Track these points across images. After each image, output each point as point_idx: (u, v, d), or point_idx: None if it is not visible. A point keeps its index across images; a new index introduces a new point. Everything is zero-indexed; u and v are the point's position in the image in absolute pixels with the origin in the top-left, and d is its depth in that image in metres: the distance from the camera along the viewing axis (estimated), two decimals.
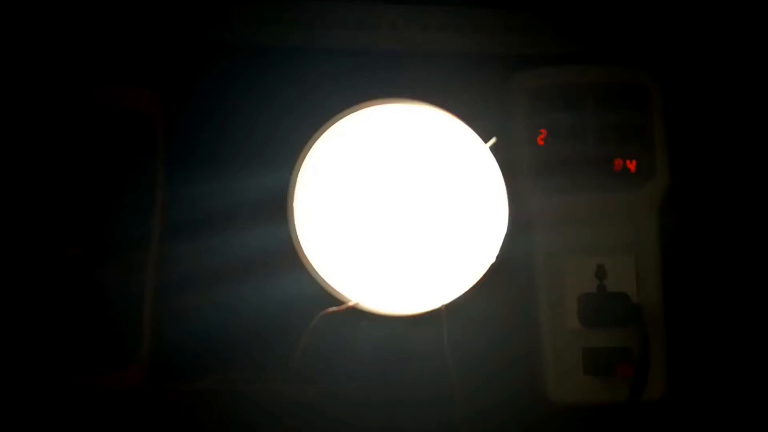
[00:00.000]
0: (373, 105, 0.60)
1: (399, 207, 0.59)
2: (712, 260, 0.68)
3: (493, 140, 0.58)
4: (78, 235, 0.63)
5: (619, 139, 0.66)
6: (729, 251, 0.68)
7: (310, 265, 0.58)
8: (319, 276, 0.58)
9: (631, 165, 0.66)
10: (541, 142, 0.66)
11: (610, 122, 0.66)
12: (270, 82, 0.67)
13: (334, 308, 0.57)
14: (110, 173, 0.64)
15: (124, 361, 0.62)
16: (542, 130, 0.66)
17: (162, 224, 0.64)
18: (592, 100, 0.66)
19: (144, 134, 0.65)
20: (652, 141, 0.66)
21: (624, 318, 0.64)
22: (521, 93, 0.66)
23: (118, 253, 0.63)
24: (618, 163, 0.66)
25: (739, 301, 0.68)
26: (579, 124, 0.66)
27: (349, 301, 0.58)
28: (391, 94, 0.60)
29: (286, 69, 0.67)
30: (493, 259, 0.58)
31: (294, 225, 0.58)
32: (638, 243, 0.65)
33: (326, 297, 0.58)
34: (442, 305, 0.57)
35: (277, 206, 0.59)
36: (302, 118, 0.61)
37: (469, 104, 0.63)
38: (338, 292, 0.58)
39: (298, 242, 0.58)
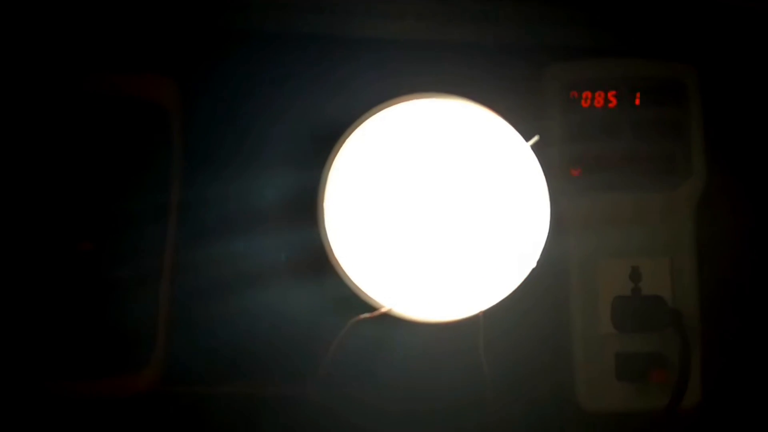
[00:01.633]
0: (407, 100, 0.58)
1: (435, 208, 0.57)
2: (750, 263, 0.67)
3: (535, 138, 0.56)
4: (89, 232, 0.61)
5: (655, 136, 0.64)
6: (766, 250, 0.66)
7: (342, 269, 0.56)
8: (351, 280, 0.57)
9: (668, 163, 0.64)
10: (574, 139, 0.64)
11: (646, 119, 0.64)
12: (300, 75, 0.65)
13: (367, 314, 0.55)
14: (122, 167, 0.62)
15: (137, 366, 0.61)
16: (575, 127, 0.65)
17: (178, 222, 0.62)
18: (627, 95, 0.64)
19: (159, 126, 0.63)
20: (689, 139, 0.64)
21: (660, 322, 0.63)
22: (554, 86, 0.64)
23: (131, 252, 0.61)
24: (653, 161, 0.64)
25: None
26: (613, 120, 0.64)
27: (382, 306, 0.56)
28: (425, 88, 0.58)
29: (316, 61, 0.65)
30: (533, 264, 0.55)
31: (325, 227, 0.56)
32: (674, 244, 0.64)
33: (358, 302, 0.56)
34: (480, 312, 0.55)
35: (306, 207, 0.57)
36: (333, 114, 0.59)
37: (505, 99, 0.61)
38: (371, 298, 0.57)
39: (329, 245, 0.56)
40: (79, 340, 0.60)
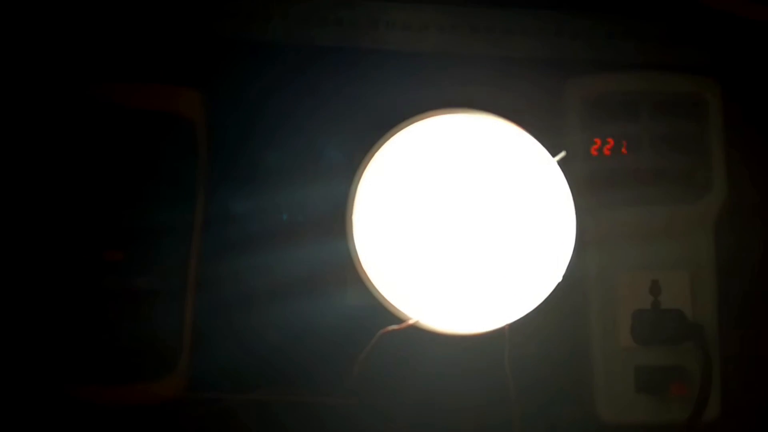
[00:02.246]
0: (435, 115, 0.58)
1: (462, 221, 0.58)
2: None
3: (562, 154, 0.56)
4: (117, 243, 0.61)
5: (676, 150, 0.64)
6: None
7: (370, 280, 0.56)
8: (379, 292, 0.57)
9: (688, 177, 0.64)
10: (594, 153, 0.64)
11: (667, 132, 0.64)
12: (324, 88, 0.65)
13: (394, 326, 0.55)
14: (148, 179, 0.63)
15: (163, 373, 0.61)
16: (596, 140, 0.65)
17: (203, 233, 0.62)
18: (648, 109, 0.64)
19: (185, 138, 0.63)
20: (710, 153, 0.64)
21: (680, 336, 0.63)
22: (573, 101, 0.64)
23: (157, 262, 0.62)
24: (674, 175, 0.64)
25: None
26: (633, 135, 0.64)
27: (410, 318, 0.56)
28: (451, 103, 0.58)
29: (340, 74, 0.65)
30: (559, 279, 0.56)
31: (353, 239, 0.57)
32: (694, 258, 0.64)
33: (385, 314, 0.56)
34: (506, 325, 0.55)
35: (335, 219, 0.57)
36: (361, 126, 0.59)
37: (530, 113, 0.62)
38: (398, 309, 0.57)
39: (357, 257, 0.57)
40: (105, 348, 0.60)
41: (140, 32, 0.65)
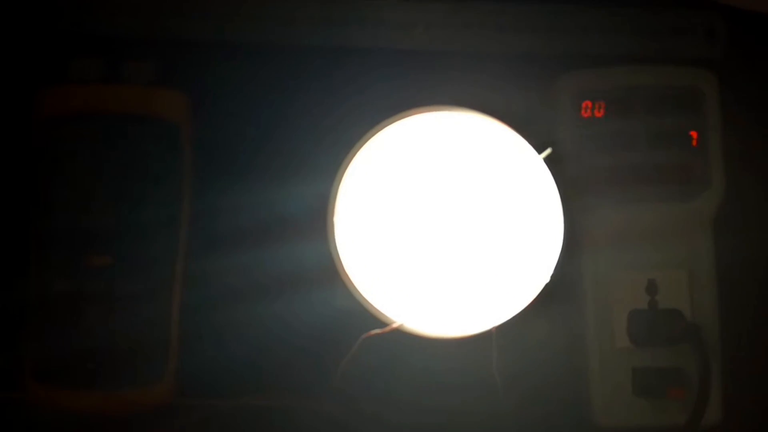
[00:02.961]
0: (419, 112, 0.57)
1: (447, 222, 0.56)
2: None
3: (548, 151, 0.55)
4: (101, 246, 0.61)
5: (672, 146, 0.63)
6: None
7: (352, 283, 0.55)
8: (361, 295, 0.56)
9: (685, 174, 0.63)
10: (587, 151, 0.63)
11: (662, 128, 0.63)
12: (311, 87, 0.65)
13: (377, 330, 0.54)
14: (132, 182, 0.62)
15: (150, 379, 0.60)
16: (588, 138, 0.64)
17: (189, 236, 0.62)
18: (643, 103, 0.63)
19: (169, 140, 0.63)
20: (707, 149, 0.62)
21: (678, 337, 0.61)
22: (566, 96, 0.63)
23: (142, 266, 0.61)
24: (670, 172, 0.63)
25: None
26: (628, 130, 0.62)
27: (393, 322, 0.55)
28: (437, 100, 0.57)
29: (327, 73, 0.64)
30: (547, 279, 0.54)
31: (334, 241, 0.55)
32: (692, 257, 0.62)
33: (368, 317, 0.54)
34: (493, 327, 0.54)
35: (316, 220, 0.55)
36: (343, 126, 0.58)
37: (518, 110, 0.61)
38: (381, 313, 0.56)
39: (339, 259, 0.56)
40: (90, 354, 0.60)
41: (125, 33, 0.63)
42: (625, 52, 0.65)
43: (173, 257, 0.61)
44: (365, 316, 0.54)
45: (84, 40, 0.64)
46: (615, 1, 0.67)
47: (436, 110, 0.56)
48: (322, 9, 0.65)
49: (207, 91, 0.64)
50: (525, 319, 0.57)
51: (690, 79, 0.63)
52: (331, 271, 0.55)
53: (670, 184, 0.62)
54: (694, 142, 0.63)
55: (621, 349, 0.61)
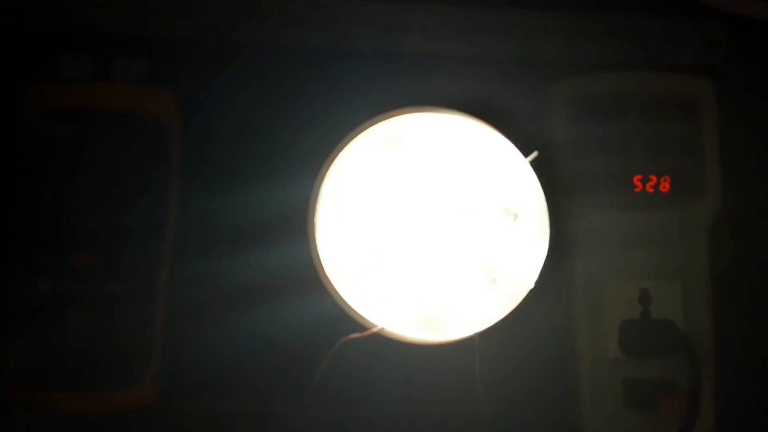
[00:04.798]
0: (403, 113, 0.56)
1: (430, 225, 0.56)
2: (767, 286, 0.64)
3: (534, 154, 0.54)
4: (85, 246, 0.60)
5: (667, 153, 0.62)
6: None
7: (332, 287, 0.54)
8: (342, 299, 0.55)
9: (680, 182, 0.62)
10: (581, 156, 0.62)
11: (657, 135, 0.62)
12: (291, 87, 0.63)
13: (357, 334, 0.53)
14: (119, 181, 0.61)
15: (132, 381, 0.60)
16: (583, 143, 0.63)
17: (175, 237, 0.61)
18: (638, 110, 0.62)
19: (156, 140, 0.62)
20: (704, 156, 0.62)
21: (670, 348, 0.60)
22: (559, 102, 0.62)
23: (127, 267, 0.60)
24: (665, 179, 0.62)
25: None
26: (623, 137, 0.62)
27: (374, 326, 0.54)
28: (423, 102, 0.56)
29: (309, 72, 0.63)
30: (531, 285, 0.53)
31: (315, 244, 0.55)
32: (686, 266, 0.61)
33: (349, 321, 0.53)
34: (475, 333, 0.53)
35: (298, 223, 0.54)
36: (326, 126, 0.58)
37: (507, 114, 0.60)
38: (362, 317, 0.55)
39: (320, 262, 0.55)
40: (73, 355, 0.59)
41: (115, 31, 0.63)
42: (621, 59, 0.64)
43: (159, 259, 0.61)
44: (346, 320, 0.54)
45: (74, 37, 0.64)
46: (612, 6, 0.65)
47: (421, 112, 0.55)
48: (313, 9, 0.64)
49: (197, 90, 0.64)
50: (511, 325, 0.56)
51: (686, 86, 0.62)
52: (311, 274, 0.53)
53: (665, 192, 0.61)
54: (690, 150, 0.62)
55: (612, 359, 0.60)
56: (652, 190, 0.62)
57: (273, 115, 0.63)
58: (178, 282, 0.61)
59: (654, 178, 0.62)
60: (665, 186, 0.62)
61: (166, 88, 0.62)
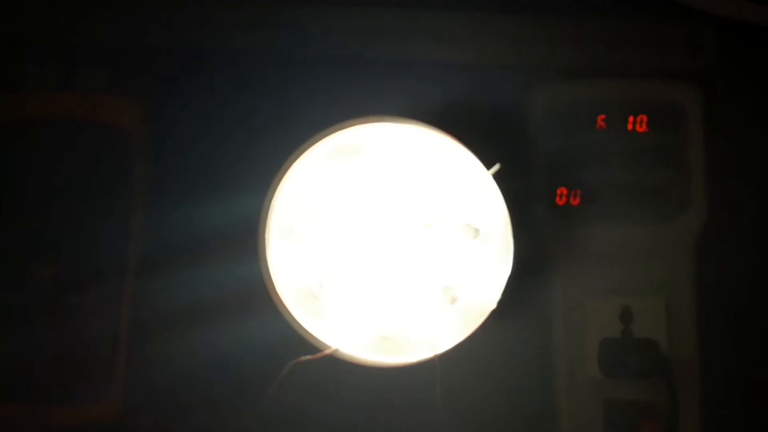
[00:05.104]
0: (360, 123, 0.54)
1: (388, 241, 0.53)
2: (754, 303, 0.62)
3: (496, 167, 0.51)
4: (47, 257, 0.59)
5: (650, 164, 0.60)
6: None
7: (283, 306, 0.52)
8: (293, 318, 0.53)
9: (664, 194, 0.60)
10: (560, 167, 0.60)
11: (640, 145, 0.60)
12: (244, 95, 0.62)
13: (308, 356, 0.50)
14: (82, 192, 0.60)
15: (96, 396, 0.59)
16: (561, 154, 0.61)
17: (139, 249, 0.60)
18: (619, 118, 0.60)
19: (120, 150, 0.61)
20: (689, 167, 0.60)
21: (652, 369, 0.58)
22: (535, 110, 0.61)
23: (89, 279, 0.59)
24: (648, 191, 0.60)
25: None
26: (603, 146, 0.60)
27: (327, 347, 0.52)
28: (381, 111, 0.54)
29: (262, 80, 0.61)
30: (494, 305, 0.51)
31: (266, 261, 0.52)
32: (670, 283, 0.60)
33: (301, 342, 0.51)
34: (435, 355, 0.50)
35: (247, 238, 0.53)
36: (279, 137, 0.55)
37: (476, 124, 0.59)
38: (315, 337, 0.53)
39: (270, 280, 0.52)
40: (33, 368, 0.58)
41: (79, 40, 0.62)
42: (601, 65, 0.63)
43: (122, 270, 0.60)
44: (298, 341, 0.52)
45: (36, 45, 0.62)
46: (591, 9, 0.63)
47: (378, 122, 0.53)
48: (270, 14, 0.62)
49: (160, 99, 0.62)
50: (475, 346, 0.53)
51: (672, 93, 0.61)
52: (261, 293, 0.51)
53: (648, 203, 0.60)
54: (675, 160, 0.60)
55: (591, 379, 0.59)
56: (634, 201, 0.61)
57: (227, 124, 0.61)
58: (140, 295, 0.60)
59: (636, 189, 0.61)
60: (648, 198, 0.60)
61: (129, 97, 0.62)
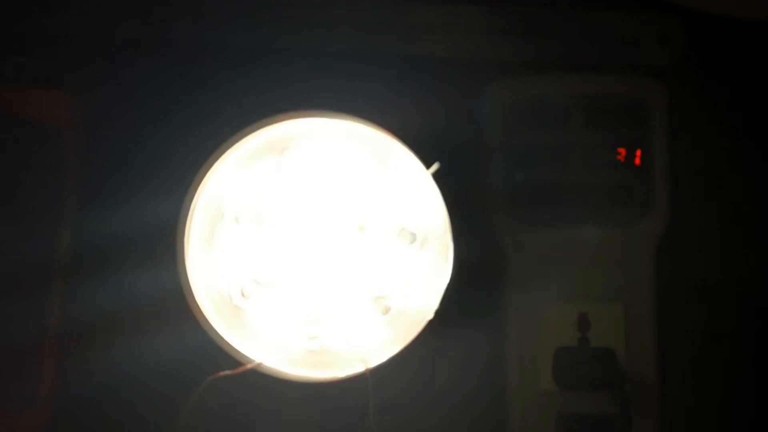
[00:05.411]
0: (290, 119, 0.50)
1: (318, 247, 0.50)
2: (718, 311, 0.60)
3: (435, 166, 0.48)
4: None
5: (611, 163, 0.59)
6: (740, 301, 0.60)
7: (203, 315, 0.49)
8: (213, 329, 0.49)
9: (624, 195, 0.59)
10: (515, 166, 0.59)
11: (600, 143, 0.58)
12: (166, 87, 0.58)
13: (228, 371, 0.47)
14: (11, 190, 0.57)
15: (22, 407, 0.56)
16: (517, 152, 0.59)
17: (71, 253, 0.57)
18: (579, 115, 0.59)
19: (50, 146, 0.58)
20: (652, 167, 0.58)
21: (610, 380, 0.56)
22: (492, 107, 0.59)
23: (16, 284, 0.56)
24: (608, 192, 0.59)
25: (750, 362, 0.59)
26: (562, 145, 0.59)
27: (250, 361, 0.49)
28: (312, 105, 0.50)
29: (185, 70, 0.58)
30: (430, 316, 0.48)
31: (184, 267, 0.49)
32: (630, 289, 0.58)
33: (222, 354, 0.48)
34: (367, 369, 0.48)
35: (165, 243, 0.49)
36: (201, 133, 0.52)
37: (417, 120, 0.56)
38: (236, 350, 0.49)
39: (189, 288, 0.49)
40: None
41: (9, 29, 0.59)
42: (564, 59, 0.61)
43: (52, 275, 0.57)
44: (218, 353, 0.48)
45: None
46: (554, 1, 0.60)
47: (310, 117, 0.50)
48: (201, 6, 0.59)
49: (94, 93, 0.59)
50: (418, 358, 0.50)
51: (635, 89, 0.59)
52: (179, 301, 0.48)
53: (608, 205, 0.58)
54: (637, 160, 0.59)
55: (545, 392, 0.57)
56: (594, 203, 0.59)
57: (150, 120, 0.57)
58: (65, 302, 0.56)
59: (595, 189, 0.59)
60: (608, 199, 0.59)
61: (62, 90, 0.59)
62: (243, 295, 0.50)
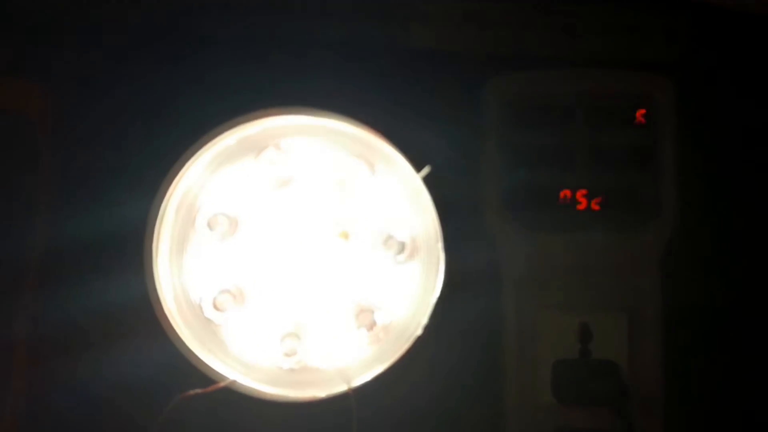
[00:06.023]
0: (270, 116, 0.48)
1: (299, 256, 0.48)
2: (725, 322, 0.58)
3: (426, 170, 0.46)
4: None
5: (616, 164, 0.57)
6: (748, 311, 0.58)
7: (172, 329, 0.47)
8: (183, 344, 0.47)
9: (630, 198, 0.57)
10: (516, 168, 0.57)
11: (605, 143, 0.57)
12: (141, 82, 0.56)
13: (199, 390, 0.45)
14: None
15: None
16: (519, 153, 0.57)
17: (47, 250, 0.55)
18: (582, 113, 0.58)
19: (24, 138, 0.56)
20: (659, 168, 0.57)
21: (609, 396, 0.55)
22: (491, 104, 0.57)
23: None
24: (613, 195, 0.57)
25: (760, 378, 0.58)
26: (564, 145, 0.58)
27: (224, 378, 0.47)
28: (295, 102, 0.48)
29: (163, 64, 0.56)
30: (419, 331, 0.46)
31: (153, 276, 0.47)
32: (634, 298, 0.57)
33: (194, 371, 0.46)
34: (349, 388, 0.46)
35: (132, 249, 0.47)
36: (174, 131, 0.50)
37: (409, 120, 0.52)
38: (208, 366, 0.47)
39: (158, 298, 0.47)
40: None
41: None
42: (565, 54, 0.59)
43: (23, 275, 0.55)
44: (190, 370, 0.46)
45: None
46: None
47: (292, 114, 0.48)
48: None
49: (68, 82, 0.57)
50: (405, 377, 0.48)
51: (641, 85, 0.58)
52: (147, 313, 0.45)
53: (612, 210, 0.57)
54: (643, 161, 0.58)
55: (544, 405, 0.56)
56: (597, 207, 0.58)
57: (120, 118, 0.56)
58: (34, 312, 0.55)
59: (600, 193, 0.57)
60: (613, 204, 0.57)
61: (38, 81, 0.57)
62: (216, 306, 0.48)
